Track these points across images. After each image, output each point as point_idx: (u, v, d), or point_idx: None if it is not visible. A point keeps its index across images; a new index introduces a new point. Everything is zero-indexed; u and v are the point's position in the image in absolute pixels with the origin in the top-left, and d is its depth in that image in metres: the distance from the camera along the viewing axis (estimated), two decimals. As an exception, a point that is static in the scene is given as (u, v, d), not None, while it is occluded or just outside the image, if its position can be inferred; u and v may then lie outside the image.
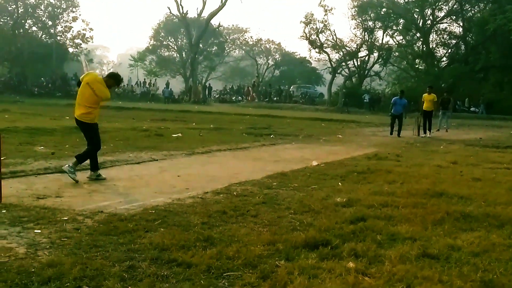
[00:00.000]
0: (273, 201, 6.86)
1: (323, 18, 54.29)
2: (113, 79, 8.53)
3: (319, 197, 7.12)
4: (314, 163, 10.91)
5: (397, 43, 54.92)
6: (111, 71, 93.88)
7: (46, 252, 4.41)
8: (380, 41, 54.80)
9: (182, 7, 59.69)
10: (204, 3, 59.30)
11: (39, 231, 5.06)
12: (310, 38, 54.89)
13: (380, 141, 17.73)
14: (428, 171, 10.03)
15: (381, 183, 8.51)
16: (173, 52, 73.80)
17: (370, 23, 54.33)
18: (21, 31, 60.73)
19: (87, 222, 5.48)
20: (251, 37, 76.18)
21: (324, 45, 55.24)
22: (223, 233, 5.19)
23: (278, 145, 15.42)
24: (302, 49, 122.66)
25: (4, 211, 5.80)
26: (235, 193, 7.35)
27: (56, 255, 4.33)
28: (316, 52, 56.59)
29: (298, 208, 6.41)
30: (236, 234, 5.14)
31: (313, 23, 54.66)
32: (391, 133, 20.41)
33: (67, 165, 8.00)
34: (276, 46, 78.25)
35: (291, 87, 63.33)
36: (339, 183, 8.43)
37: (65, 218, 5.56)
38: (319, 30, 54.84)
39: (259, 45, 76.16)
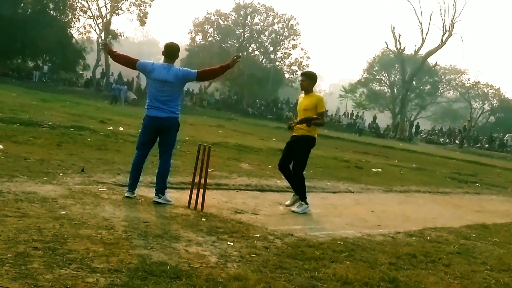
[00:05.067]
0: (468, 253, 6.44)
1: (552, 66, 50.15)
2: None
3: (522, 257, 6.54)
4: (521, 220, 10.07)
5: None
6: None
7: (234, 265, 4.61)
8: None
9: (400, 43, 59.28)
10: (423, 41, 58.23)
11: (232, 243, 5.31)
12: (535, 86, 51.00)
13: None
14: None
15: None
16: (385, 87, 73.44)
17: None
18: (245, 53, 65.01)
19: (276, 242, 5.63)
20: (468, 79, 72.91)
21: (550, 94, 50.95)
22: (410, 277, 4.99)
23: (483, 195, 14.49)
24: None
25: (204, 219, 6.19)
26: (428, 238, 7.04)
27: (243, 269, 4.50)
28: (540, 101, 52.43)
29: (495, 265, 5.94)
30: (423, 281, 4.92)
31: (540, 70, 50.77)
32: None
33: None
34: (494, 91, 73.85)
35: (506, 136, 59.32)
36: (548, 246, 7.67)
37: (257, 235, 5.77)
38: (546, 78, 50.73)
39: (476, 88, 72.51)
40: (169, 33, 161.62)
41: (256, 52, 67.41)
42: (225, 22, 64.57)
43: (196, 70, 7.01)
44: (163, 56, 6.97)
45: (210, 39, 64.72)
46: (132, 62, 7.08)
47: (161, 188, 6.85)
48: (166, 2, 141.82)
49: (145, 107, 6.97)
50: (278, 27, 65.32)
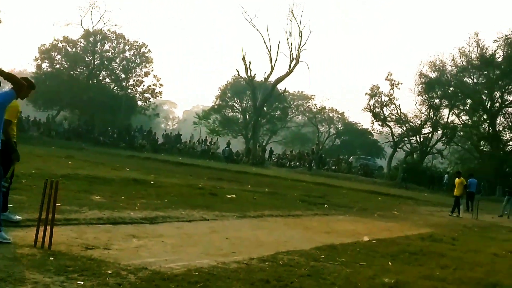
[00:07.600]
0: (318, 274, 6.73)
1: (389, 92, 54.35)
2: None
3: (366, 275, 6.92)
4: (366, 238, 10.70)
5: (462, 123, 54.23)
6: (175, 126, 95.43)
7: (85, 305, 4.44)
8: (445, 119, 54.42)
9: (251, 70, 60.80)
10: (272, 68, 60.26)
11: (82, 282, 5.10)
12: (374, 111, 54.90)
13: (437, 222, 17.28)
14: (484, 259, 9.64)
15: (433, 266, 8.24)
16: (237, 113, 74.92)
17: (437, 100, 54.49)
18: (95, 81, 63.38)
19: (130, 277, 5.49)
20: (315, 104, 76.56)
21: (388, 118, 55.11)
22: (263, 303, 5.10)
23: (331, 215, 15.23)
24: (365, 121, 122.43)
25: (52, 258, 5.89)
26: (281, 262, 7.25)
27: (94, 309, 4.35)
28: (379, 125, 56.50)
29: (343, 285, 6.25)
30: (276, 306, 5.05)
31: (378, 96, 54.79)
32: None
33: None
34: (339, 116, 78.45)
35: (351, 158, 63.14)
36: (389, 262, 8.21)
37: (109, 272, 5.60)
38: (384, 103, 54.84)
39: (322, 113, 76.35)
40: (12, 60, 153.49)
41: (107, 80, 65.95)
42: (74, 49, 62.60)
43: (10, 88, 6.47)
44: None
45: (57, 66, 62.36)
46: None
47: None
48: (8, 28, 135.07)
49: None
50: (129, 54, 64.54)
